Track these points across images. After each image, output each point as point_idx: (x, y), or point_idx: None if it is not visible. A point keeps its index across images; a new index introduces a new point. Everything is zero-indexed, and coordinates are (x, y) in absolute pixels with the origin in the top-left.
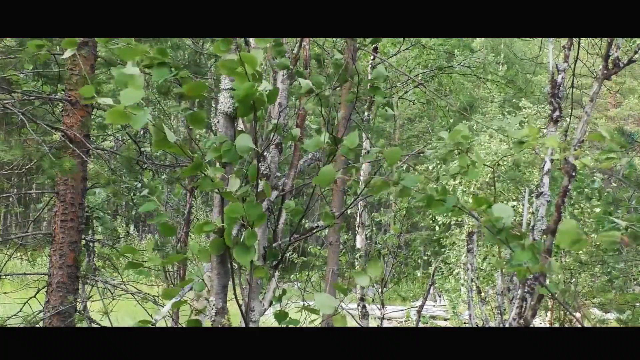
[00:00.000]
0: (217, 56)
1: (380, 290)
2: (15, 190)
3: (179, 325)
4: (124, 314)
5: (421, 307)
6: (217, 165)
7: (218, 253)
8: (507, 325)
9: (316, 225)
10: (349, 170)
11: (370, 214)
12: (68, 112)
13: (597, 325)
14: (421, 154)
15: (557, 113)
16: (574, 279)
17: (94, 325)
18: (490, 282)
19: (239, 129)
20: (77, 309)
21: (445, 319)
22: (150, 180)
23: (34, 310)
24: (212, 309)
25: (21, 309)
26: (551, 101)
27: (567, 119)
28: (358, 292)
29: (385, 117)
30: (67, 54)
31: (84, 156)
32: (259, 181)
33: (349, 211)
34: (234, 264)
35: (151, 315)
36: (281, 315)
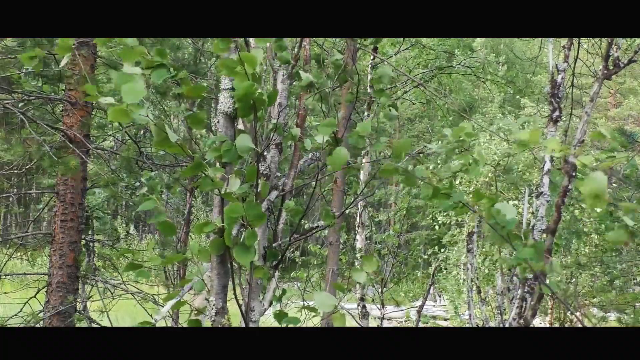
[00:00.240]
0: (217, 56)
1: (380, 290)
2: (15, 190)
3: (179, 325)
4: (124, 314)
5: (421, 307)
6: (217, 165)
7: (218, 253)
8: (507, 325)
9: (316, 225)
10: (349, 172)
11: (370, 214)
12: (68, 112)
13: (598, 325)
14: (421, 154)
15: (557, 113)
16: (574, 279)
17: (94, 325)
18: (490, 282)
19: (239, 129)
20: (77, 309)
21: (445, 319)
22: (148, 179)
23: (34, 310)
24: (212, 309)
25: (21, 309)
26: (551, 101)
27: (567, 119)
28: (358, 292)
29: (389, 117)
30: (64, 61)
31: (83, 156)
32: (259, 181)
33: (348, 211)
34: (234, 264)
35: (151, 315)
36: (281, 315)
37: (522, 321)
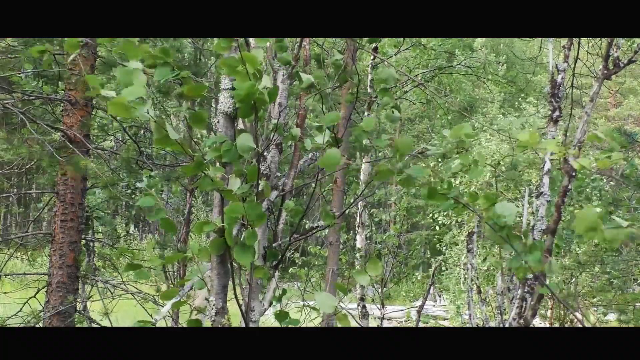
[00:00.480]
0: (217, 56)
1: (380, 290)
2: (15, 190)
3: (179, 325)
4: (124, 314)
5: (421, 307)
6: (217, 165)
7: (218, 253)
8: (507, 325)
9: (316, 225)
10: (349, 172)
11: (370, 214)
12: (68, 112)
13: (598, 324)
14: (421, 154)
15: (557, 113)
16: (574, 279)
17: (94, 325)
18: (490, 282)
19: (239, 128)
20: (77, 309)
21: (445, 319)
22: (149, 177)
23: (34, 310)
24: (212, 309)
25: (21, 309)
26: (551, 101)
27: (568, 119)
28: (358, 292)
29: (391, 119)
30: (71, 57)
31: (83, 156)
32: (259, 181)
33: (349, 211)
34: (234, 264)
35: (151, 315)
36: (281, 315)
37: (522, 321)
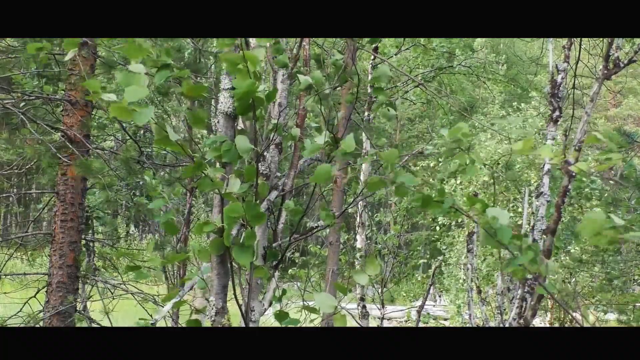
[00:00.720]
0: (217, 56)
1: (380, 290)
2: (15, 190)
3: (179, 325)
4: (124, 314)
5: (421, 307)
6: (217, 165)
7: (218, 253)
8: (507, 325)
9: (316, 225)
10: (348, 168)
11: (371, 214)
12: (68, 112)
13: (598, 324)
14: (420, 154)
15: (557, 113)
16: (573, 279)
17: (94, 325)
18: (490, 282)
19: (239, 128)
20: (77, 309)
21: (445, 319)
22: (151, 179)
23: (34, 310)
24: (212, 309)
25: (21, 309)
26: (551, 101)
27: (569, 120)
28: (358, 292)
29: (387, 116)
30: (69, 55)
31: (83, 157)
32: (258, 181)
33: (349, 211)
34: (234, 264)
35: (151, 315)
36: (281, 315)
37: (522, 321)
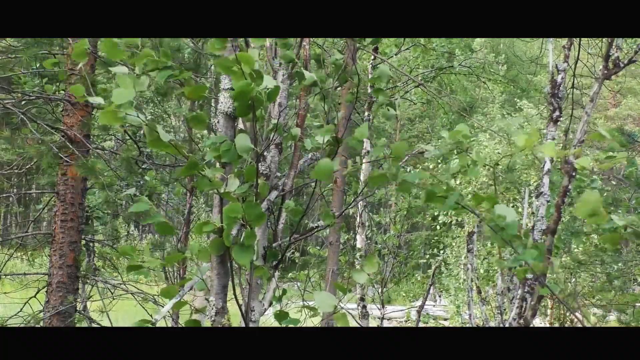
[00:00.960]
0: (217, 56)
1: (380, 290)
2: (15, 190)
3: (179, 325)
4: (124, 314)
5: (421, 307)
6: (217, 165)
7: (218, 253)
8: (507, 325)
9: (316, 225)
10: (349, 172)
11: (372, 214)
12: (68, 112)
13: (598, 324)
14: (421, 154)
15: (557, 113)
16: (574, 279)
17: (94, 325)
18: (490, 282)
19: (239, 128)
20: (77, 309)
21: (445, 319)
22: (152, 179)
23: (34, 310)
24: (212, 309)
25: (21, 309)
26: (551, 101)
27: (568, 119)
28: (358, 292)
29: (387, 116)
30: (80, 65)
31: (83, 157)
32: (258, 181)
33: (349, 211)
34: (234, 264)
35: (151, 316)
36: (281, 315)
37: (522, 321)
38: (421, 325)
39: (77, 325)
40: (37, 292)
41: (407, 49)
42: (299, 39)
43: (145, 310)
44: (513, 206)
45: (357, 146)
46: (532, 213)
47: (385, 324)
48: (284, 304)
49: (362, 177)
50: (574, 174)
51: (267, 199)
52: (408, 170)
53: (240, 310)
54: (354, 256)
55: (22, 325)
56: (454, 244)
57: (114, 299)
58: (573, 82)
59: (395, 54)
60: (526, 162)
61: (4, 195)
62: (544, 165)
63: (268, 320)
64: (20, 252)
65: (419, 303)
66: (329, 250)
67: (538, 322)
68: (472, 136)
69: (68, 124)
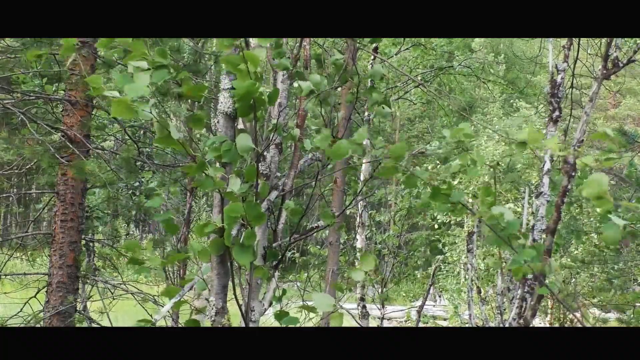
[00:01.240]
0: (217, 56)
1: (380, 290)
2: (15, 190)
3: (179, 325)
4: (124, 314)
5: (421, 307)
6: (217, 165)
7: (218, 253)
8: (507, 325)
9: (316, 225)
10: (349, 171)
11: (370, 215)
12: (68, 112)
13: (598, 324)
14: (421, 154)
15: (556, 113)
16: (573, 279)
17: (94, 325)
18: (490, 282)
19: (239, 128)
20: (77, 309)
21: (445, 319)
22: (150, 179)
23: (34, 310)
24: (212, 309)
25: (21, 309)
26: (551, 101)
27: (568, 119)
28: (358, 292)
29: (382, 114)
30: (69, 61)
31: (83, 157)
32: (258, 181)
33: (349, 211)
34: (234, 263)
35: (151, 315)
36: (281, 315)
37: (522, 321)
38: (421, 325)
39: (77, 325)
40: (37, 292)
41: (407, 48)
42: (298, 39)
43: (145, 310)
44: (513, 206)
45: (356, 151)
46: (532, 213)
47: (385, 324)
48: (284, 304)
49: (362, 177)
50: (573, 174)
51: (267, 199)
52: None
53: (240, 310)
54: (354, 256)
55: (22, 325)
56: (457, 241)
57: (114, 299)
58: (572, 82)
59: (395, 54)
60: (527, 162)
61: (4, 195)
62: (543, 165)
63: (268, 320)
64: (20, 252)
65: (419, 303)
66: (329, 250)
67: (538, 322)
68: (474, 136)
69: (68, 124)
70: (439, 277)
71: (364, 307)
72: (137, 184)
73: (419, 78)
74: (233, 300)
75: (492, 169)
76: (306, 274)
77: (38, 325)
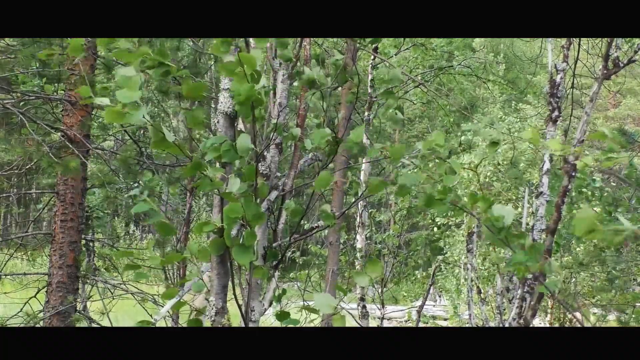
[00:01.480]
0: (217, 56)
1: (380, 290)
2: (15, 190)
3: (179, 325)
4: (124, 314)
5: (421, 307)
6: (217, 165)
7: (218, 253)
8: (507, 325)
9: (316, 225)
10: (349, 171)
11: (371, 214)
12: (68, 112)
13: (598, 324)
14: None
15: (556, 113)
16: (573, 279)
17: (94, 325)
18: (490, 282)
19: (239, 129)
20: (77, 309)
21: (445, 319)
22: (149, 180)
23: (34, 310)
24: (212, 309)
25: (21, 309)
26: (550, 101)
27: (568, 119)
28: (358, 292)
29: (394, 120)
30: (76, 60)
31: (83, 157)
32: (257, 181)
33: (349, 211)
34: (234, 263)
35: (151, 315)
36: (281, 315)
37: (522, 321)
38: (421, 325)
39: (77, 325)
40: (37, 292)
41: (407, 48)
42: (298, 39)
43: (145, 310)
44: (513, 206)
45: (353, 149)
46: (532, 213)
47: (385, 324)
48: (284, 304)
49: (362, 177)
50: (574, 174)
51: (267, 199)
52: (408, 170)
53: (240, 310)
54: (354, 256)
55: (22, 325)
56: (456, 242)
57: (114, 299)
58: (572, 82)
59: (395, 54)
60: (527, 162)
61: (4, 195)
62: (543, 165)
63: (268, 320)
64: (20, 252)
65: (419, 303)
66: (329, 250)
67: (538, 322)
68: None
69: (68, 124)
70: (439, 277)
71: (364, 307)
72: (137, 185)
73: (419, 78)
74: (233, 300)
75: (494, 168)
76: (306, 272)
77: (38, 325)
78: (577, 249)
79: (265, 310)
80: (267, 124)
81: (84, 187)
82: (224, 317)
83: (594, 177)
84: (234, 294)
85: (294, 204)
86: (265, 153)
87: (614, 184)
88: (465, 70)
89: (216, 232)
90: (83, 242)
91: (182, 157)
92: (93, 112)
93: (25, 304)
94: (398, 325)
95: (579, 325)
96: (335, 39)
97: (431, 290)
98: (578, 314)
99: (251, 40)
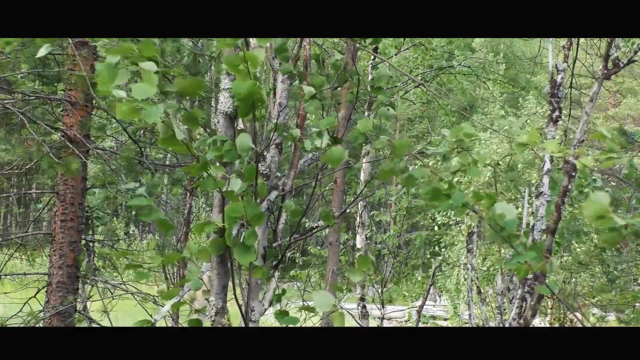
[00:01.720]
0: (217, 57)
1: (380, 290)
2: (15, 190)
3: (179, 325)
4: (124, 314)
5: (421, 307)
6: (217, 164)
7: (218, 253)
8: (507, 325)
9: (316, 225)
10: (349, 171)
11: (373, 215)
12: (68, 112)
13: (598, 324)
14: (421, 154)
15: (556, 113)
16: (574, 279)
17: (94, 325)
18: (490, 282)
19: (239, 129)
20: (77, 309)
21: (445, 319)
22: (149, 181)
23: (34, 310)
24: (212, 309)
25: (21, 309)
26: (550, 101)
27: (567, 119)
28: (358, 292)
29: (386, 116)
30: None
31: (83, 157)
32: (257, 181)
33: (349, 211)
34: (234, 263)
35: (151, 315)
36: (281, 314)
37: (522, 321)
38: (421, 325)
39: (77, 325)
40: (37, 292)
41: (407, 48)
42: (298, 39)
43: (145, 310)
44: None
45: (358, 139)
46: (532, 213)
47: (385, 324)
48: (284, 304)
49: (362, 177)
50: (574, 174)
51: (267, 199)
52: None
53: (240, 310)
54: (354, 256)
55: (22, 325)
56: (455, 242)
57: (113, 299)
58: (571, 81)
59: (395, 54)
60: (527, 162)
61: (4, 195)
62: (543, 165)
63: (268, 320)
64: (20, 252)
65: (419, 303)
66: (329, 250)
67: (538, 322)
68: (476, 135)
69: (68, 124)
70: (439, 277)
71: (364, 307)
72: (137, 184)
73: (419, 78)
74: (233, 300)
75: (492, 169)
76: (306, 273)
77: (38, 325)
78: (578, 249)
79: (265, 310)
80: (267, 124)
81: (84, 187)
82: (224, 317)
83: (594, 177)
84: (234, 294)
85: (294, 204)
86: (265, 153)
87: (613, 184)
88: (466, 70)
89: (217, 232)
90: (83, 242)
91: (183, 157)
92: (93, 112)
93: (25, 304)
94: (398, 325)
95: (579, 325)
96: (335, 40)
97: (431, 290)
98: (578, 314)
99: (251, 40)
